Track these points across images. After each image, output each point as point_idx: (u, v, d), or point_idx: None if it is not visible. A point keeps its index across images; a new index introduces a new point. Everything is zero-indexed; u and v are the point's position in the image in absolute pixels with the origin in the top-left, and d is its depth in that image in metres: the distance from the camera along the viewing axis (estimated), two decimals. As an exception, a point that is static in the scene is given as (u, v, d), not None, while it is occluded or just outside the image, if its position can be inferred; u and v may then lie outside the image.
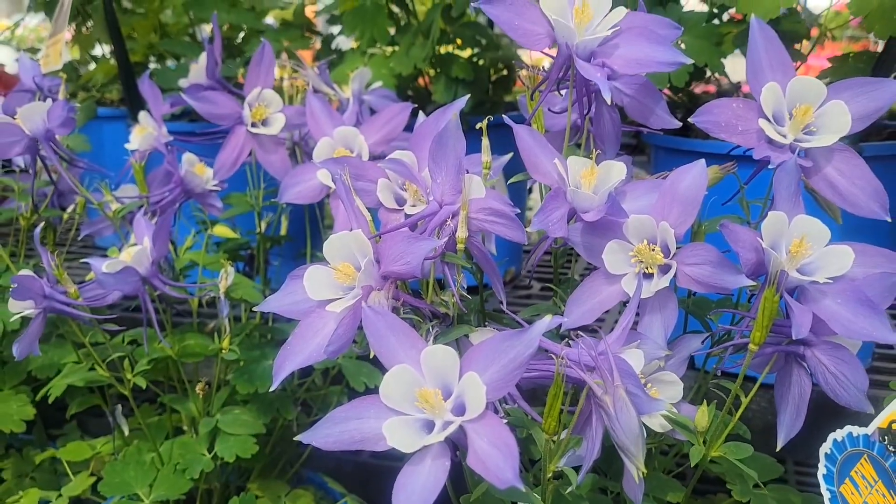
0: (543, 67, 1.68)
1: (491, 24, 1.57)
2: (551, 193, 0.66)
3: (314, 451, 1.07)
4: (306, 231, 1.10)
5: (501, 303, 0.70)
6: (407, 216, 0.70)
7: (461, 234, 0.64)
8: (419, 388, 0.53)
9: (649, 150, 1.48)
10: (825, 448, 0.72)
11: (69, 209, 1.33)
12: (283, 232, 1.19)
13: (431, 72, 1.45)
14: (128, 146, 1.10)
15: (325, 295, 0.62)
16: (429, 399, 0.52)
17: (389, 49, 1.42)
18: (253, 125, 0.96)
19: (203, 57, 1.15)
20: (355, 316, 0.58)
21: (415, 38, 1.38)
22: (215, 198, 0.98)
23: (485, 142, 0.72)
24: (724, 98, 0.67)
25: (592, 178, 0.67)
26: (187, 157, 0.99)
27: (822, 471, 0.72)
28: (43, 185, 1.26)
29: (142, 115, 1.11)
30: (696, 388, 0.78)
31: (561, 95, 0.77)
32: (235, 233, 1.01)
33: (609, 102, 0.62)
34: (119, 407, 1.01)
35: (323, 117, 0.89)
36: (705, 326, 0.73)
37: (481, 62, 1.46)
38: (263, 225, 1.10)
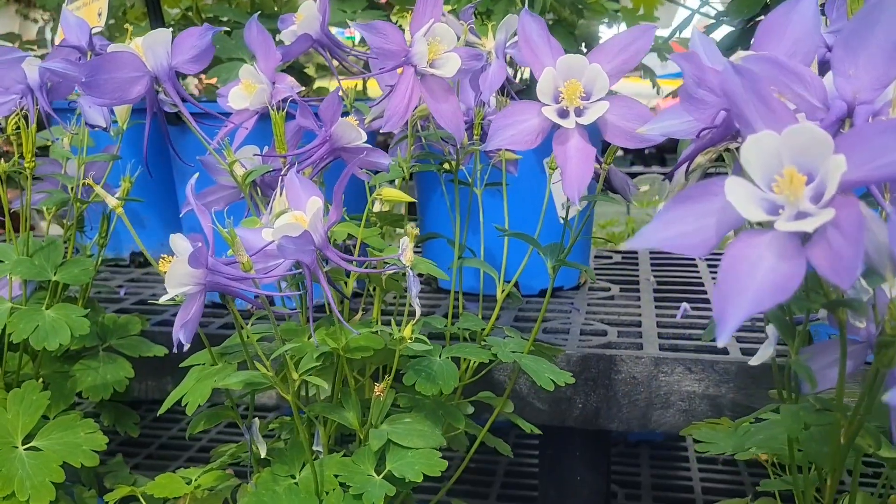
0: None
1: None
2: None
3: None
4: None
5: None
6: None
7: None
8: None
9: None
10: None
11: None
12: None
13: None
14: (233, 105, 0.90)
15: (756, 216, 0.45)
16: None
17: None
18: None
19: (309, 6, 0.96)
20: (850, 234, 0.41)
21: (510, 5, 1.23)
22: (378, 153, 0.79)
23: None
24: None
25: None
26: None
27: None
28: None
29: (245, 69, 0.91)
30: None
31: None
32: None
33: None
34: (256, 422, 0.80)
35: (542, 45, 0.72)
36: None
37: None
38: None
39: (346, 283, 0.79)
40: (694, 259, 1.64)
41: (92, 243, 1.04)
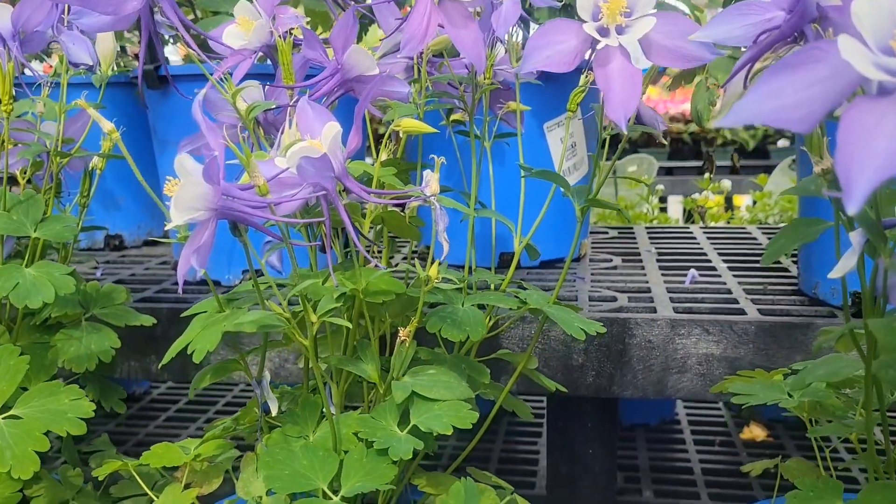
0: None
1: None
2: None
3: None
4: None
5: None
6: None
7: None
8: None
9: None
10: None
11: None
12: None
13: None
14: (231, 44, 0.83)
15: (877, 75, 0.39)
16: None
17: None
18: (442, -12, 0.73)
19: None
20: None
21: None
22: (397, 81, 0.73)
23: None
24: None
25: None
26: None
27: None
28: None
29: (241, 5, 0.85)
30: None
31: None
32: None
33: None
34: (267, 375, 0.73)
35: (578, -44, 0.67)
36: None
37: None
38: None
39: (361, 223, 0.73)
40: (691, 230, 1.60)
41: (73, 204, 0.96)
